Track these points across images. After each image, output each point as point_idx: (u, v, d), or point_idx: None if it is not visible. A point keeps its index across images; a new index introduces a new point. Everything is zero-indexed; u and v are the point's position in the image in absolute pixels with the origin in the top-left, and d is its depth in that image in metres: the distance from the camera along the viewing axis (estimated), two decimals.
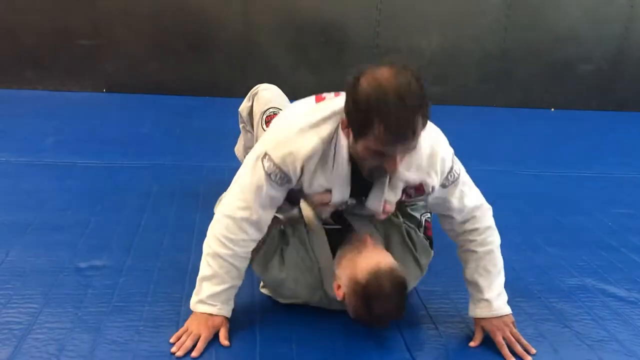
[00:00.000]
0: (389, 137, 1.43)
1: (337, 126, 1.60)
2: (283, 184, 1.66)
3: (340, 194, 1.68)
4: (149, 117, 4.02)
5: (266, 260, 1.81)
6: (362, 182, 1.67)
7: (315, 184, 1.66)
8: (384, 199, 1.69)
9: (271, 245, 1.82)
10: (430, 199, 1.74)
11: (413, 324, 1.85)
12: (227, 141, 2.98)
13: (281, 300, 1.89)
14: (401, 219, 1.93)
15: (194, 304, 1.72)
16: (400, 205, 1.93)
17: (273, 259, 1.81)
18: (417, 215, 1.95)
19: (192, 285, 1.87)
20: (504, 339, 1.75)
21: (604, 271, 2.30)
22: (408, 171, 1.64)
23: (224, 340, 1.70)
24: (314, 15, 4.50)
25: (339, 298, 1.72)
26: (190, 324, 1.71)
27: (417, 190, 1.70)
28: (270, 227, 1.77)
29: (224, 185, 2.50)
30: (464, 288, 2.01)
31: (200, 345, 1.65)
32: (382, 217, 1.76)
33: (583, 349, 1.79)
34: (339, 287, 1.72)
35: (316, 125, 1.62)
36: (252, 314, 1.85)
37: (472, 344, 1.78)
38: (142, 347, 1.66)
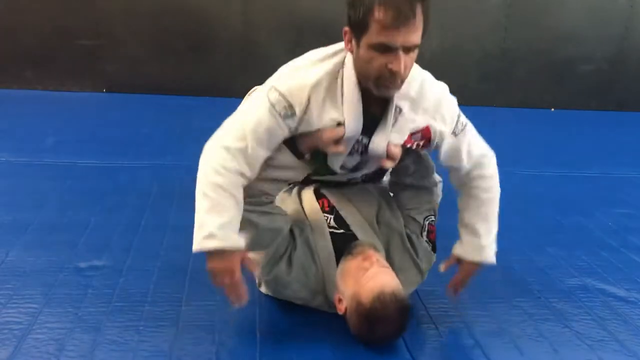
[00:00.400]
0: (389, 19, 1.43)
1: (343, 60, 1.62)
2: (286, 117, 1.60)
3: (354, 123, 1.63)
4: (149, 117, 4.02)
5: (275, 260, 1.78)
6: (371, 118, 1.65)
7: (326, 117, 1.62)
8: (389, 141, 1.67)
9: (282, 246, 1.79)
10: (443, 150, 1.76)
11: (413, 324, 1.85)
12: None
13: (280, 297, 1.88)
14: (402, 224, 1.92)
15: (202, 240, 1.57)
16: (402, 210, 1.94)
17: (281, 260, 1.79)
18: (420, 219, 1.92)
19: (192, 285, 1.88)
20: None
21: (604, 271, 2.30)
22: (415, 113, 1.67)
23: (254, 267, 1.69)
24: (314, 15, 4.49)
25: (339, 312, 1.73)
26: (212, 271, 1.62)
27: (424, 135, 1.71)
28: (279, 228, 1.75)
29: None
30: (464, 288, 2.01)
31: (240, 292, 1.66)
32: (388, 164, 1.71)
33: (583, 349, 1.79)
34: (340, 300, 1.73)
35: (321, 60, 1.64)
36: (252, 314, 1.85)
37: (441, 268, 1.89)
38: (142, 347, 1.66)
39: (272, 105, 1.60)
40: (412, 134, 1.70)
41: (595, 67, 5.04)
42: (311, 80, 1.60)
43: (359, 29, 1.49)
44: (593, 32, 4.92)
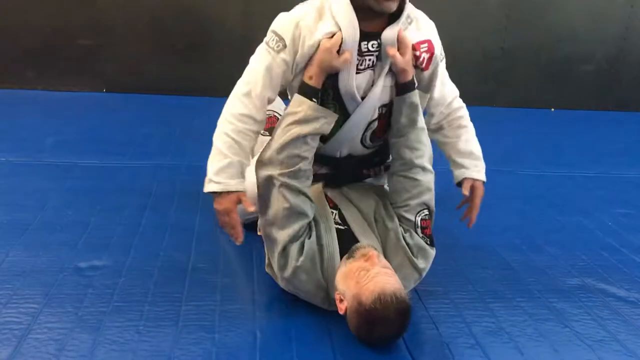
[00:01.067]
0: None
1: None
2: (280, 51, 1.79)
3: (350, 27, 1.76)
4: (149, 117, 4.02)
5: (290, 240, 1.80)
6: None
7: (318, 35, 1.77)
8: (399, 29, 1.81)
9: (301, 230, 1.81)
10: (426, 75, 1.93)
11: (413, 324, 1.84)
12: None
13: (285, 284, 1.88)
14: (397, 222, 1.92)
15: (205, 185, 1.82)
16: (394, 208, 1.94)
17: (296, 242, 1.80)
18: (412, 216, 1.91)
19: (192, 285, 1.88)
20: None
21: (604, 271, 2.30)
22: (418, 31, 1.88)
23: (250, 206, 1.81)
24: None
25: (340, 312, 1.73)
26: (215, 210, 1.85)
27: (429, 48, 1.88)
28: (306, 213, 1.81)
29: None
30: (464, 288, 2.02)
31: (236, 231, 1.83)
32: (398, 60, 1.80)
33: (583, 349, 1.80)
34: (341, 300, 1.73)
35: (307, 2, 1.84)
36: (252, 313, 1.85)
37: (464, 199, 2.09)
38: (142, 347, 1.66)
39: (267, 44, 1.82)
40: (419, 43, 1.85)
41: (595, 67, 5.04)
42: (299, 13, 1.81)
43: None
44: (593, 32, 4.92)
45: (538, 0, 4.84)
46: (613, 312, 2.02)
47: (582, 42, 4.93)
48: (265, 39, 1.84)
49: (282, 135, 1.81)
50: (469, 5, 4.73)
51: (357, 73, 1.83)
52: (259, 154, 1.90)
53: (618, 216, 2.85)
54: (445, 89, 2.02)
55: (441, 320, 1.90)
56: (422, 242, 1.90)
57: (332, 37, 1.77)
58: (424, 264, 1.91)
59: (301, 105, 1.81)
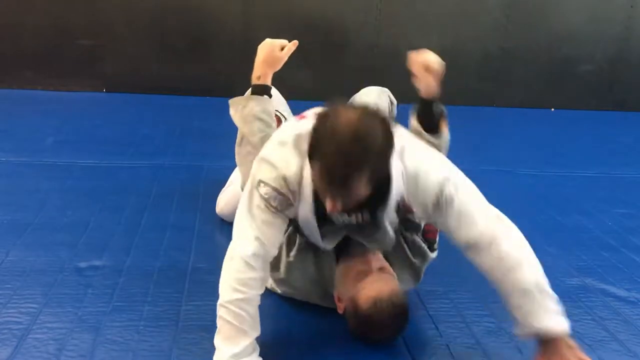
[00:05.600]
0: (322, 178, 1.40)
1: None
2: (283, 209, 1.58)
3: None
4: (149, 117, 4.02)
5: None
6: None
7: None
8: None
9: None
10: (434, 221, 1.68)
11: (413, 324, 1.84)
12: (227, 141, 2.96)
13: (279, 289, 1.88)
14: (398, 222, 1.91)
15: None
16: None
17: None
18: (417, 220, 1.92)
19: (192, 285, 1.88)
20: None
21: (604, 271, 2.30)
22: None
23: None
24: (314, 15, 4.50)
25: (339, 311, 1.74)
26: None
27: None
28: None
29: (223, 185, 2.52)
30: (464, 288, 2.02)
31: None
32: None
33: (583, 349, 1.79)
34: (339, 299, 1.74)
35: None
36: None
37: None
38: (142, 346, 1.66)
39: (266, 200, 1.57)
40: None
41: (595, 67, 5.04)
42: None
43: (309, 154, 1.43)
44: (593, 32, 4.92)
45: (538, 1, 4.84)
46: (613, 312, 2.02)
47: (582, 42, 4.94)
48: (262, 193, 1.59)
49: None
50: (469, 5, 4.72)
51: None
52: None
53: (618, 216, 2.85)
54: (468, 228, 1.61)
55: (441, 320, 1.90)
56: (422, 244, 1.90)
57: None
58: (420, 264, 1.90)
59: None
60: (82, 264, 2.07)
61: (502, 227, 1.62)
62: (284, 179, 1.54)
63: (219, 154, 3.12)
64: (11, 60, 4.42)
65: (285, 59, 1.97)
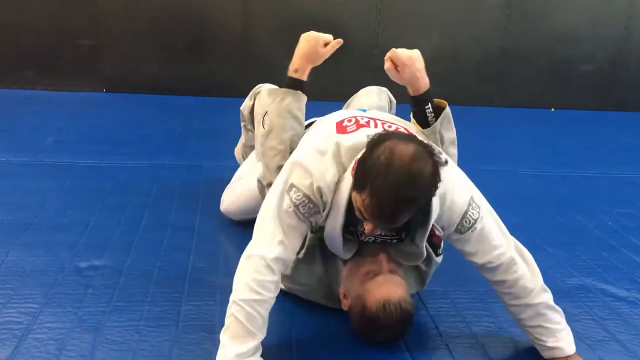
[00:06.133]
0: (369, 210, 1.43)
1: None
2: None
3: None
4: (149, 117, 4.02)
5: None
6: None
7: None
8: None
9: None
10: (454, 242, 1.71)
11: (413, 324, 1.85)
12: (227, 141, 2.98)
13: (283, 284, 1.86)
14: None
15: None
16: None
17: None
18: None
19: (192, 285, 1.87)
20: None
21: (604, 271, 2.30)
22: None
23: None
24: (314, 15, 4.49)
25: (344, 307, 1.74)
26: None
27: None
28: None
29: (223, 185, 2.52)
30: (464, 288, 2.01)
31: None
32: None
33: (583, 349, 1.79)
34: (345, 296, 1.74)
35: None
36: None
37: None
38: (142, 346, 1.66)
39: (296, 207, 1.58)
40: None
41: (595, 67, 5.04)
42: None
43: (354, 184, 1.48)
44: (593, 32, 4.92)
45: (538, 1, 4.84)
46: (613, 312, 2.02)
47: (582, 42, 4.94)
48: (293, 198, 1.62)
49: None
50: (469, 5, 4.72)
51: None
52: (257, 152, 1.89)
53: (618, 216, 2.85)
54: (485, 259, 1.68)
55: (441, 320, 1.90)
56: (428, 249, 1.88)
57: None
58: (426, 269, 1.90)
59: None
60: (82, 264, 2.07)
61: (517, 256, 1.70)
62: (318, 189, 1.56)
63: (219, 154, 3.13)
64: (11, 60, 4.42)
65: (327, 56, 1.90)
